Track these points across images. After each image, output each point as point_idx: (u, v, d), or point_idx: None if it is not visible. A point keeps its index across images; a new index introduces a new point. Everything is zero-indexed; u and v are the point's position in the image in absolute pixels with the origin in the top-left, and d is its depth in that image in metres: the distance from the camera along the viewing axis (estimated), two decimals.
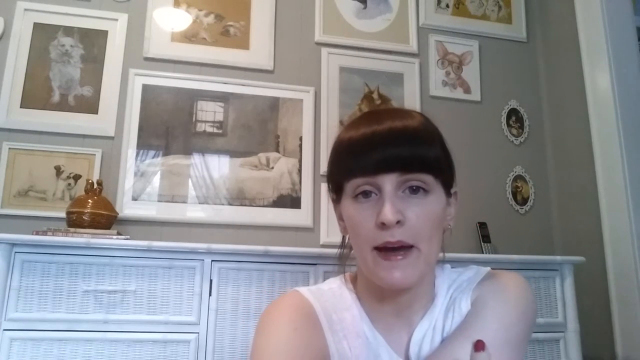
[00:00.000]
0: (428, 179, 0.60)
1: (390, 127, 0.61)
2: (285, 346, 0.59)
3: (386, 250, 0.59)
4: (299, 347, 0.59)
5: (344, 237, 0.74)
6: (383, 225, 0.58)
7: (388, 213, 0.57)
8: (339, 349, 0.63)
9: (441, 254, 0.70)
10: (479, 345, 0.56)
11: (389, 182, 0.59)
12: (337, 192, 0.67)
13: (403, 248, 0.58)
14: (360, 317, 0.66)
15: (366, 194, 0.61)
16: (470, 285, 0.67)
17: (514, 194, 2.06)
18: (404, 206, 0.59)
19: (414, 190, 0.60)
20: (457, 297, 0.66)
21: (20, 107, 1.71)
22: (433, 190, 0.61)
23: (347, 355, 0.63)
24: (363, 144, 0.61)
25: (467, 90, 2.12)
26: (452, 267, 0.73)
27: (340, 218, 0.70)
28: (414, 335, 0.64)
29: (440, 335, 0.64)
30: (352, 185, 0.62)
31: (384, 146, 0.60)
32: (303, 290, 0.68)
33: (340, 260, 0.74)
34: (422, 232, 0.59)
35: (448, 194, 0.65)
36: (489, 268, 0.71)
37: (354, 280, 0.71)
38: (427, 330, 0.64)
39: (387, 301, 0.66)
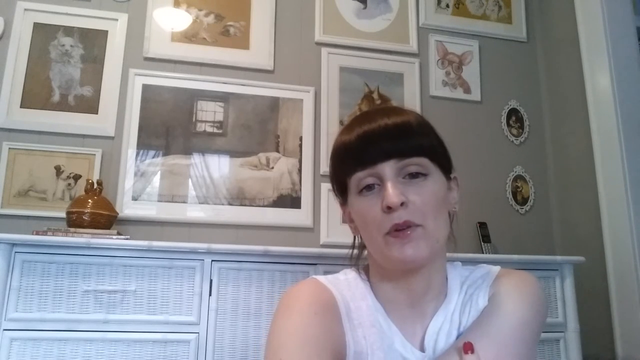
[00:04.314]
0: (425, 162, 0.63)
1: (384, 124, 0.63)
2: (305, 329, 0.60)
3: (396, 231, 0.61)
4: (318, 331, 0.60)
5: (354, 239, 0.75)
6: (389, 209, 0.60)
7: (391, 195, 0.60)
8: (354, 337, 0.64)
9: (451, 254, 0.71)
10: (467, 347, 0.57)
11: (388, 168, 0.62)
12: (342, 193, 0.69)
13: (411, 227, 0.60)
14: (374, 307, 0.67)
15: (369, 187, 0.63)
16: (487, 282, 0.68)
17: (514, 194, 2.06)
18: (406, 190, 0.61)
19: (414, 175, 0.63)
20: (473, 293, 0.68)
21: (20, 107, 1.71)
22: (431, 173, 0.64)
23: (362, 344, 0.64)
24: (359, 142, 0.64)
25: (467, 90, 2.12)
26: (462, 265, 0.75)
27: (349, 220, 0.71)
28: (429, 328, 0.66)
29: (457, 330, 0.65)
30: (355, 180, 0.64)
31: (380, 141, 0.63)
32: (321, 278, 0.70)
33: (352, 261, 0.75)
34: (427, 212, 0.61)
35: (448, 178, 0.68)
36: (499, 267, 0.72)
37: (367, 272, 0.73)
38: (442, 324, 0.66)
39: (400, 289, 0.67)
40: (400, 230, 0.60)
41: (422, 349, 0.65)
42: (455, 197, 0.70)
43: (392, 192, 0.60)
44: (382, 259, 0.64)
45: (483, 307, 0.65)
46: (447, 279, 0.70)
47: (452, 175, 0.69)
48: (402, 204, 0.60)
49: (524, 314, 0.63)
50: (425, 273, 0.66)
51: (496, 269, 0.71)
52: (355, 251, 0.75)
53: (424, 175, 0.63)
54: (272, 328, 0.62)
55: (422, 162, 0.63)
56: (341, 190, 0.69)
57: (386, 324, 0.66)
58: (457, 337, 0.65)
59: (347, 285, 0.70)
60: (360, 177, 0.63)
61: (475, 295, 0.67)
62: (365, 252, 0.72)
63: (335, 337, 0.62)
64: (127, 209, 1.71)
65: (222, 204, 1.79)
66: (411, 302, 0.67)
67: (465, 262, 1.48)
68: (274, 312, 0.65)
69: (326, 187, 1.87)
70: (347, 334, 0.64)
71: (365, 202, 0.63)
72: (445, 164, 0.67)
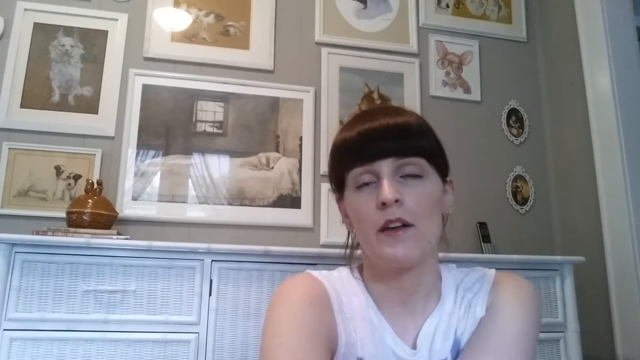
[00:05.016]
0: (422, 162, 0.64)
1: (385, 124, 0.64)
2: (300, 317, 0.62)
3: (388, 229, 0.62)
4: (312, 319, 0.62)
5: (348, 237, 0.77)
6: (383, 205, 0.61)
7: (386, 192, 0.61)
8: (346, 329, 0.66)
9: (443, 254, 0.72)
10: None
11: (385, 166, 0.63)
12: (339, 188, 0.70)
13: (403, 227, 0.62)
14: (366, 303, 0.69)
15: (366, 184, 0.64)
16: (484, 288, 0.69)
17: (514, 194, 2.06)
18: (401, 189, 0.62)
19: (410, 175, 0.64)
20: (471, 299, 0.68)
21: (20, 107, 1.71)
22: (428, 175, 0.65)
23: (353, 336, 0.66)
24: (360, 139, 0.65)
25: (467, 90, 2.12)
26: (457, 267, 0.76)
27: (345, 215, 0.73)
28: (424, 327, 0.67)
29: (454, 333, 0.66)
30: (353, 175, 0.65)
31: (379, 139, 0.64)
32: (314, 272, 0.72)
33: (346, 261, 0.77)
34: (421, 212, 0.62)
35: (444, 181, 0.69)
36: (494, 270, 0.73)
37: (360, 271, 0.74)
38: (438, 325, 0.67)
39: (392, 286, 0.68)
40: (392, 229, 0.62)
41: (414, 347, 0.66)
42: (450, 200, 0.71)
43: (387, 189, 0.61)
44: (374, 256, 0.66)
45: (480, 316, 0.66)
46: (441, 280, 0.71)
47: (448, 179, 0.70)
48: (396, 201, 0.61)
49: (523, 325, 0.64)
50: (416, 272, 0.67)
51: (491, 273, 0.72)
52: (348, 250, 0.76)
53: (420, 176, 0.64)
54: (268, 317, 0.64)
55: (419, 163, 0.64)
56: (338, 185, 0.70)
57: (378, 320, 0.67)
58: (454, 342, 0.66)
59: (340, 280, 0.71)
60: (357, 173, 0.65)
61: (474, 302, 0.68)
62: (358, 252, 0.74)
63: (328, 326, 0.64)
64: (127, 209, 1.71)
65: (222, 204, 1.79)
66: (402, 299, 0.68)
67: (465, 262, 1.49)
68: (270, 303, 0.66)
69: (326, 187, 1.87)
70: (339, 325, 0.65)
71: (360, 198, 0.65)
72: (442, 167, 0.68)
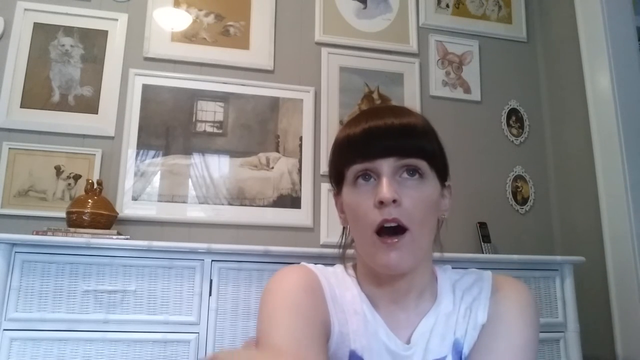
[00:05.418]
0: (423, 164, 0.64)
1: (390, 123, 0.64)
2: (296, 303, 0.62)
3: (384, 234, 0.62)
4: (308, 306, 0.63)
5: (342, 235, 0.77)
6: (381, 204, 0.61)
7: (385, 191, 0.61)
8: (339, 319, 0.66)
9: (439, 254, 0.72)
10: None
11: (386, 165, 0.63)
12: (338, 183, 0.71)
13: (398, 233, 0.62)
14: (360, 298, 0.69)
15: (365, 177, 0.64)
16: (483, 294, 0.69)
17: (514, 194, 2.06)
18: (400, 190, 0.62)
19: (411, 173, 0.64)
20: (472, 304, 0.68)
21: (20, 107, 1.71)
22: (427, 177, 0.65)
23: (346, 327, 0.66)
24: (363, 136, 0.65)
25: (467, 90, 2.12)
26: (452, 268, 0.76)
27: (341, 210, 0.73)
28: (420, 326, 0.67)
29: (453, 334, 0.67)
30: (353, 171, 0.66)
31: (383, 138, 0.64)
32: (309, 265, 0.72)
33: (340, 260, 0.77)
34: (416, 215, 0.62)
35: (442, 185, 0.69)
36: (490, 273, 0.73)
37: (354, 269, 0.74)
38: (434, 325, 0.67)
39: (385, 289, 0.68)
40: (387, 235, 0.62)
41: (407, 342, 0.66)
42: (447, 204, 0.71)
43: (386, 188, 0.61)
44: (367, 258, 0.66)
45: (482, 322, 0.66)
46: (436, 280, 0.72)
47: (447, 183, 0.70)
48: (394, 201, 0.61)
49: (527, 333, 0.65)
50: (409, 276, 0.67)
51: (488, 276, 0.72)
52: (341, 250, 0.77)
53: (420, 178, 0.64)
54: (264, 303, 0.64)
55: (420, 164, 0.64)
56: (337, 180, 0.70)
57: (371, 314, 0.67)
58: (454, 342, 0.66)
59: (334, 275, 0.72)
60: (357, 169, 0.65)
61: (474, 307, 0.68)
62: (352, 252, 0.74)
63: (322, 314, 0.64)
64: (127, 209, 1.71)
65: (222, 204, 1.79)
66: (395, 299, 0.69)
67: (465, 262, 1.49)
68: (263, 291, 0.66)
69: (326, 187, 1.87)
70: (332, 315, 0.66)
71: (358, 195, 0.65)
72: (442, 171, 0.68)
